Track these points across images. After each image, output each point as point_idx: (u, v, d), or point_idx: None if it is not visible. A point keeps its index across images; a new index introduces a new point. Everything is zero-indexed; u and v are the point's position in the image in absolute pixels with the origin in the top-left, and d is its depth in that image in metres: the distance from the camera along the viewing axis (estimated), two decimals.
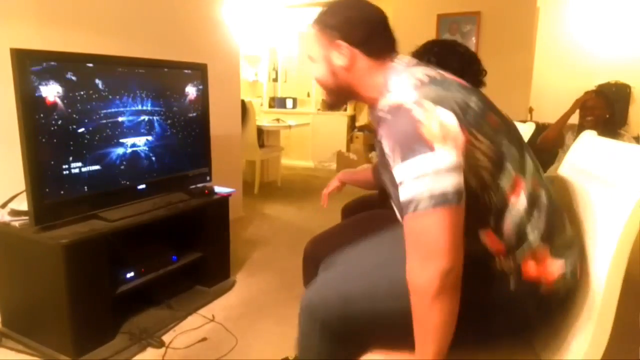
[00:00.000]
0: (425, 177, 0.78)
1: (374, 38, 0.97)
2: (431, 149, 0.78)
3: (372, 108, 1.00)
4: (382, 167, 0.98)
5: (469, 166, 0.83)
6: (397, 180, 0.82)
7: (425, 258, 0.79)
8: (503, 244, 0.88)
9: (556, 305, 0.93)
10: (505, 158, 0.87)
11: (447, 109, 0.82)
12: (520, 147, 0.91)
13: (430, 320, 0.81)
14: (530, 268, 0.88)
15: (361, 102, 1.05)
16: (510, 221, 0.87)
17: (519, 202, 0.87)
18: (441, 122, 0.80)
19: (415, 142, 0.79)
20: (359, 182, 1.72)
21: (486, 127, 0.85)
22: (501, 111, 0.94)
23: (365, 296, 0.95)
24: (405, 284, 0.83)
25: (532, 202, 0.88)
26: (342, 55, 0.97)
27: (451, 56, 1.41)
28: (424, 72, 0.91)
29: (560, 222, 0.91)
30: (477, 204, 0.86)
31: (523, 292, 0.89)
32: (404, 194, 0.81)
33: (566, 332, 0.94)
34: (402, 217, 0.85)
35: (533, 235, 0.87)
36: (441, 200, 0.77)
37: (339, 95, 1.05)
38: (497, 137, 0.87)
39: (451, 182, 0.78)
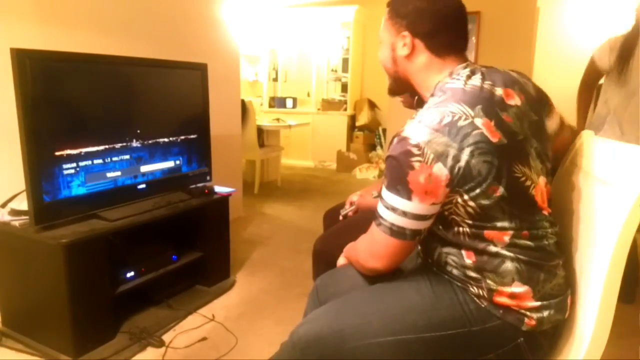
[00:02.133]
0: (395, 211, 0.88)
1: (439, 33, 0.96)
2: (408, 198, 0.85)
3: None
4: None
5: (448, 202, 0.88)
6: (380, 194, 0.93)
7: (370, 254, 0.98)
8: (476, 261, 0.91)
9: (545, 339, 0.93)
10: (489, 219, 0.87)
11: (445, 164, 0.82)
12: (526, 203, 0.89)
13: (354, 264, 1.10)
14: (503, 299, 0.89)
15: (418, 95, 1.04)
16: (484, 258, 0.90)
17: (493, 248, 0.89)
18: (431, 175, 0.83)
19: (399, 183, 0.86)
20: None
21: (481, 195, 0.84)
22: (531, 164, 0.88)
23: (359, 332, 0.94)
24: (397, 319, 0.94)
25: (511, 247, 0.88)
26: (405, 45, 0.98)
27: None
28: (460, 106, 0.85)
29: (546, 271, 0.90)
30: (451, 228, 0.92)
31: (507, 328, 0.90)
32: (378, 207, 0.92)
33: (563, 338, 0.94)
34: None
35: (507, 277, 0.88)
36: (397, 234, 0.90)
37: (398, 82, 1.06)
38: (489, 205, 0.85)
39: (412, 225, 0.88)
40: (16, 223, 1.66)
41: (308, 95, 6.18)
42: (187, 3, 2.84)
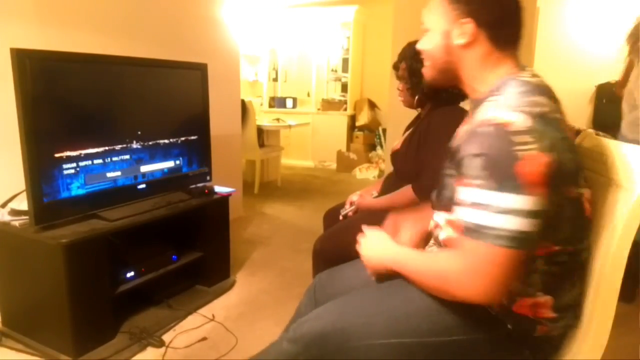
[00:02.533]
0: (508, 213, 0.74)
1: (504, 24, 0.90)
2: (519, 192, 0.73)
3: (470, 98, 0.95)
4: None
5: None
6: (468, 199, 0.79)
7: (475, 279, 0.77)
8: None
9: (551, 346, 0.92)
10: (546, 228, 0.79)
11: (547, 155, 0.74)
12: (577, 219, 0.85)
13: (435, 293, 0.87)
14: (523, 309, 0.87)
15: (460, 87, 0.97)
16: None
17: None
18: (539, 165, 0.74)
19: (505, 179, 0.74)
20: (380, 209, 1.66)
21: (561, 195, 0.79)
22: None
23: (363, 332, 0.92)
24: (401, 321, 0.91)
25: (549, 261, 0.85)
26: (464, 34, 0.89)
27: None
28: (547, 99, 0.81)
29: (571, 281, 0.88)
30: None
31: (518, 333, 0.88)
32: (476, 217, 0.77)
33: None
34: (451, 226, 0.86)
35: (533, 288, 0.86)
36: (516, 241, 0.74)
37: (444, 74, 0.97)
38: (558, 205, 0.80)
39: (530, 226, 0.74)
40: (16, 223, 1.66)
41: (308, 95, 6.18)
42: (187, 3, 2.84)
